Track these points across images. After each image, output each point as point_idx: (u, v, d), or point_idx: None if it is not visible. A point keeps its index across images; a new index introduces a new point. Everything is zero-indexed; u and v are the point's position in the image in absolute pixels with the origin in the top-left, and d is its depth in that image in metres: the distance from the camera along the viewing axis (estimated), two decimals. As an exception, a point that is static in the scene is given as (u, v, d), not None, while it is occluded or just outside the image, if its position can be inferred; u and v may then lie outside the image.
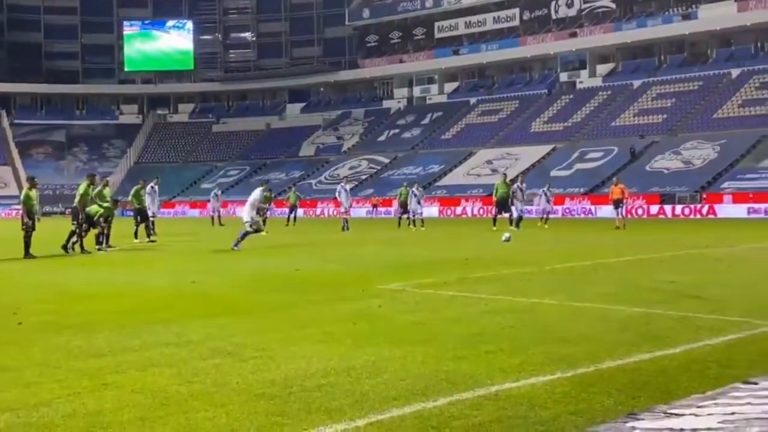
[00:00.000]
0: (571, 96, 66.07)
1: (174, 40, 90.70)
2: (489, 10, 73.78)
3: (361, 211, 53.36)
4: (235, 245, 20.35)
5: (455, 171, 60.91)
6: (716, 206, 43.07)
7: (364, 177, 65.48)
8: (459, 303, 10.15)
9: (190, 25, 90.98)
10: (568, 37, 67.43)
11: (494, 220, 30.05)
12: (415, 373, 6.20)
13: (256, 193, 21.51)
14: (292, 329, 8.28)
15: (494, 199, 30.88)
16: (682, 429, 4.64)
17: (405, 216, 33.40)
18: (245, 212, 21.07)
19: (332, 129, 78.89)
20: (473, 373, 6.14)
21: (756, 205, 41.86)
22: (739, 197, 43.20)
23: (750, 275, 12.98)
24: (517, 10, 72.26)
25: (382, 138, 72.84)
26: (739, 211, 41.63)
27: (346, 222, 31.50)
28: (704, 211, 43.29)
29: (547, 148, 59.11)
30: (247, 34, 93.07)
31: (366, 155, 69.87)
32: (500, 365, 6.39)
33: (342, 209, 32.67)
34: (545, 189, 33.90)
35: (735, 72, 58.58)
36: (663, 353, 6.80)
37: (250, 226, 20.75)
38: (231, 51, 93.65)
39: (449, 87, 76.16)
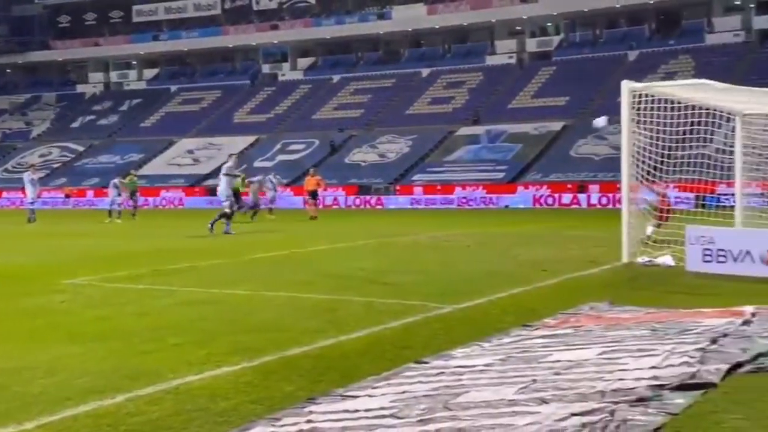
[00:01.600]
0: (274, 88, 66.80)
1: None
2: (190, -4, 72.56)
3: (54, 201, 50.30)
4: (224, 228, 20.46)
5: (155, 160, 59.32)
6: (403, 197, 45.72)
7: (55, 165, 61.78)
8: (150, 296, 9.90)
9: None
10: (269, 30, 68.00)
11: (270, 210, 29.97)
12: (95, 370, 5.96)
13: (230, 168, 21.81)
14: (-41, 330, 7.61)
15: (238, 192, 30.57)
16: (356, 410, 4.85)
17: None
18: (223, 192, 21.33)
19: (20, 113, 73.53)
20: (157, 367, 6.00)
21: (418, 197, 45.06)
22: (428, 189, 46.11)
23: (431, 262, 13.86)
24: (218, -1, 71.78)
25: (75, 124, 69.12)
26: (429, 201, 44.46)
27: (33, 213, 29.57)
28: (373, 201, 45.77)
29: (251, 139, 59.32)
30: None
31: (58, 142, 65.86)
32: (186, 358, 6.30)
33: (28, 199, 30.54)
34: (270, 177, 32.79)
35: (425, 71, 62.34)
36: (346, 338, 7.07)
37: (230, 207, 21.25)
38: None
39: (149, 73, 73.93)
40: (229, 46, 70.20)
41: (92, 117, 69.62)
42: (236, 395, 5.22)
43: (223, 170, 22.20)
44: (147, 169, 57.70)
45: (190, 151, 59.27)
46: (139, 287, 10.70)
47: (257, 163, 53.57)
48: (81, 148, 64.06)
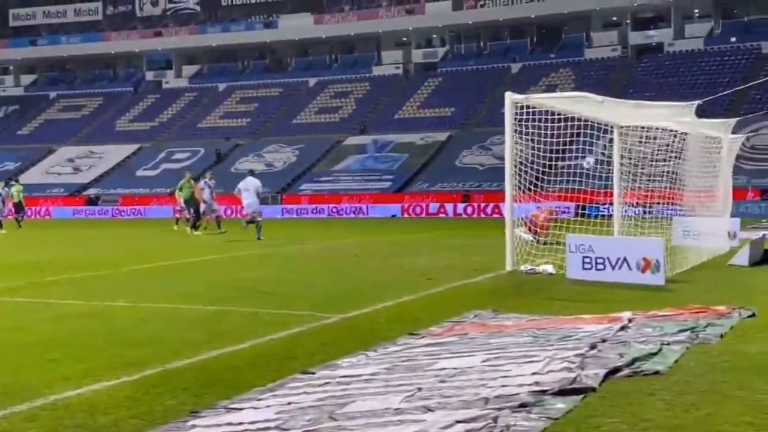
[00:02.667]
0: (158, 95, 65.44)
1: None
2: (70, 0, 70.32)
3: None
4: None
5: (33, 169, 57.20)
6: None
7: (-76, 174, 58.79)
8: (25, 310, 9.54)
9: None
10: (153, 36, 66.65)
11: (177, 220, 27.35)
12: (-35, 388, 5.68)
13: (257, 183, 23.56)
14: None
15: (180, 198, 28.16)
16: (240, 423, 4.77)
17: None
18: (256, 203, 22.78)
19: None
20: (33, 383, 5.78)
21: (306, 206, 44.79)
22: (315, 198, 46.03)
23: (318, 271, 13.84)
24: (99, 4, 69.69)
25: (-52, 131, 66.00)
26: (316, 211, 44.31)
27: None
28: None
29: (133, 147, 57.92)
30: None
31: (-72, 150, 62.73)
32: (63, 373, 6.09)
33: None
34: (206, 180, 28.23)
35: (312, 81, 62.27)
36: (232, 349, 6.96)
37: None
38: None
39: (26, 79, 71.28)
40: (111, 53, 68.41)
41: (-35, 124, 66.64)
42: (116, 410, 5.07)
43: (258, 189, 23.48)
44: (24, 178, 55.41)
45: (71, 160, 57.45)
46: (14, 300, 10.29)
47: (139, 173, 52.47)
48: (-47, 156, 61.22)
